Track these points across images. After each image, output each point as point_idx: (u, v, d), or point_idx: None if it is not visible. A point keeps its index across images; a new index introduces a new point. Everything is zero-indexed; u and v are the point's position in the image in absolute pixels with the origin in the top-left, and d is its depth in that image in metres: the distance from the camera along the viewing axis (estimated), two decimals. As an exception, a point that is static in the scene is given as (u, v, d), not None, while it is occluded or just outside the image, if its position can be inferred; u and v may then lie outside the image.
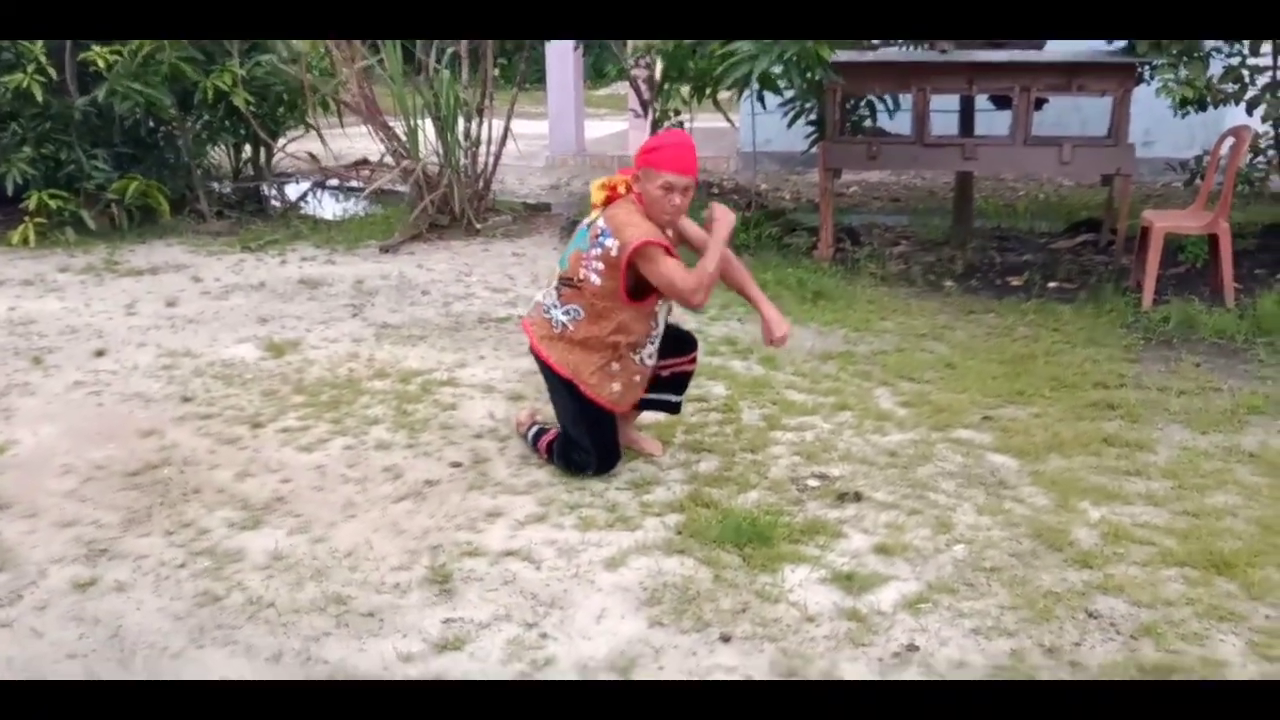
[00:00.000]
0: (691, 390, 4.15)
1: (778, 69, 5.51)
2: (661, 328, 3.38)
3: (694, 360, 3.54)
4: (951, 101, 6.74)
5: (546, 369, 3.33)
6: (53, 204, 6.82)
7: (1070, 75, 5.80)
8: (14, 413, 3.93)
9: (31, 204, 6.75)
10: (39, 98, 6.60)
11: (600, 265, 3.14)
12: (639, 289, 3.20)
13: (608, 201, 3.22)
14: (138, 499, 3.24)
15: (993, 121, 7.05)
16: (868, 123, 7.43)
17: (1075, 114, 8.90)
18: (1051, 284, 5.81)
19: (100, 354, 4.64)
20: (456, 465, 3.48)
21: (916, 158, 6.32)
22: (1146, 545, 2.91)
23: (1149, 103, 6.14)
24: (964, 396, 4.08)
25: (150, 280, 6.04)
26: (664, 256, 3.10)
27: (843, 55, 5.87)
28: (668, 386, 3.50)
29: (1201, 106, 5.72)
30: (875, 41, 6.86)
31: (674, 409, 3.59)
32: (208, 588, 2.73)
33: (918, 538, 2.96)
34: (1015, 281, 5.93)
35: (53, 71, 6.70)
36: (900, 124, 6.94)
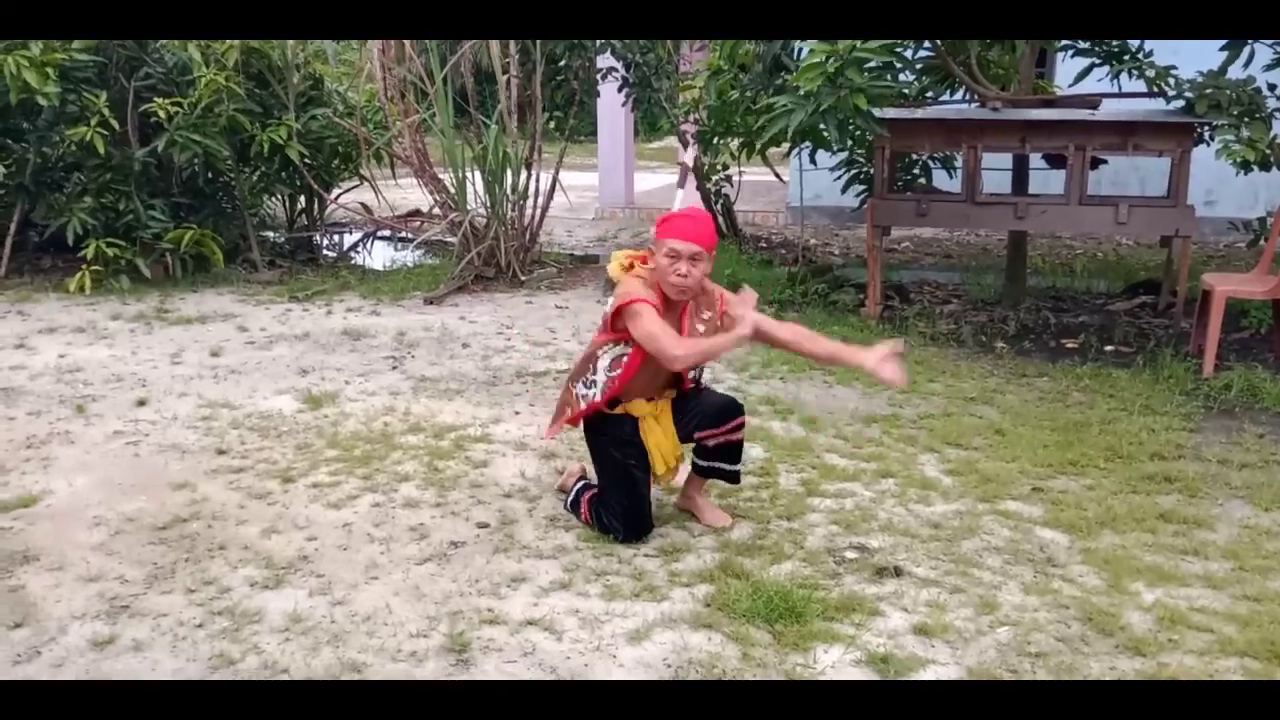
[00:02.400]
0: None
1: (819, 122, 5.45)
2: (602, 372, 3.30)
3: (738, 428, 3.38)
4: (1005, 160, 6.63)
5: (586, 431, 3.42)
6: (110, 252, 6.97)
7: (1126, 135, 5.66)
8: (52, 462, 3.96)
9: (89, 253, 6.90)
10: (101, 149, 6.77)
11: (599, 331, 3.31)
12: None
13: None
14: (164, 554, 3.22)
15: (1048, 180, 6.92)
16: (921, 180, 7.36)
17: (1134, 173, 8.73)
18: (1108, 348, 5.63)
19: (142, 403, 4.68)
20: (483, 526, 3.41)
21: (967, 216, 6.20)
22: (1204, 632, 2.73)
23: (1210, 161, 5.97)
24: (1013, 466, 3.93)
25: (198, 329, 6.11)
26: (649, 312, 3.09)
27: (891, 112, 5.80)
28: (718, 455, 3.39)
29: (1264, 167, 5.55)
30: (930, 95, 6.81)
31: (732, 478, 3.47)
32: (224, 650, 2.68)
33: (959, 618, 2.81)
34: (1070, 344, 5.76)
35: (115, 123, 6.89)
36: (954, 183, 6.84)
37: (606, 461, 3.33)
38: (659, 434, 3.31)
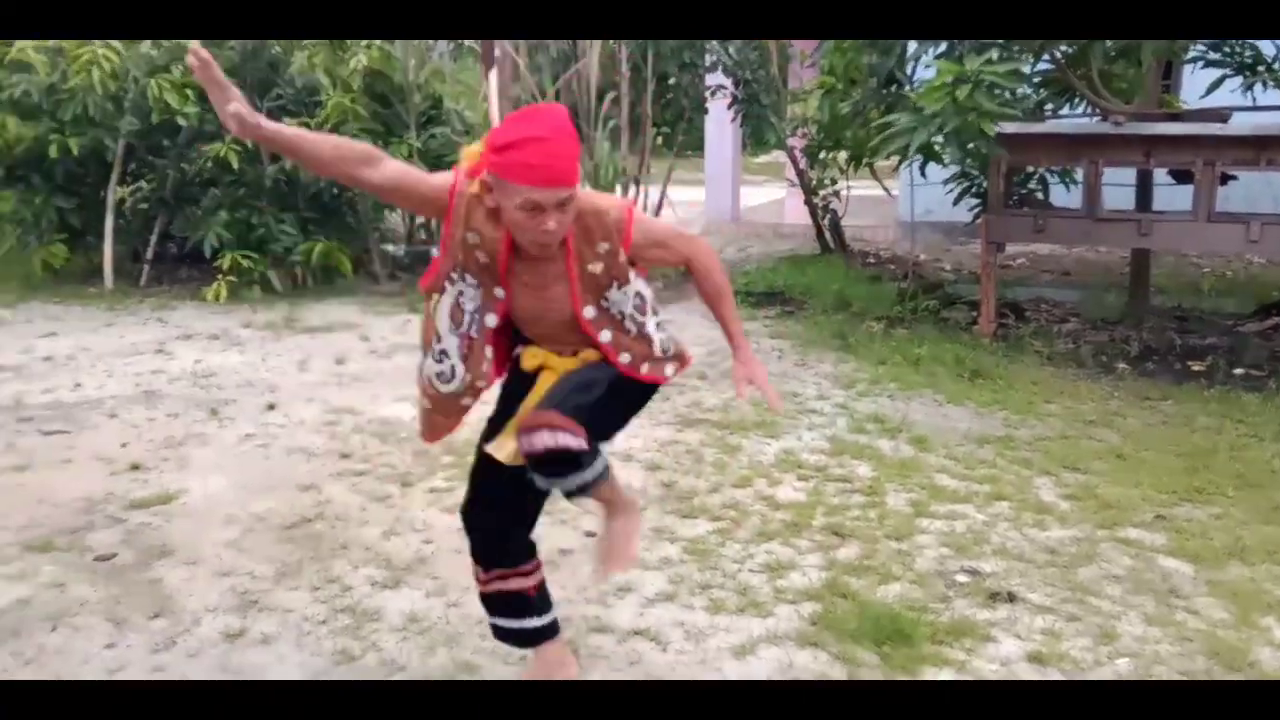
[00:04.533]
0: (834, 470, 4.05)
1: (938, 140, 5.40)
2: (448, 335, 2.29)
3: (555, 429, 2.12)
4: (1128, 175, 6.42)
5: None
6: (243, 264, 7.34)
7: (1259, 149, 5.42)
8: (188, 462, 4.20)
9: (225, 263, 7.29)
10: (235, 166, 7.15)
11: None
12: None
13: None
14: (291, 552, 3.38)
15: (1174, 196, 6.66)
16: (1038, 195, 7.18)
17: (1267, 189, 8.33)
18: (1237, 370, 5.39)
19: (271, 408, 4.91)
20: (591, 535, 3.47)
21: (1088, 233, 6.02)
22: (1343, 674, 2.60)
23: None
24: (1135, 492, 3.80)
25: (324, 338, 6.38)
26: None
27: (1008, 127, 5.69)
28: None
29: None
30: (1049, 108, 6.64)
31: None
32: (345, 646, 2.80)
33: (1076, 647, 2.74)
34: (1197, 366, 5.53)
35: (248, 141, 7.26)
36: (1072, 197, 6.65)
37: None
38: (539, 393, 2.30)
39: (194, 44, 2.10)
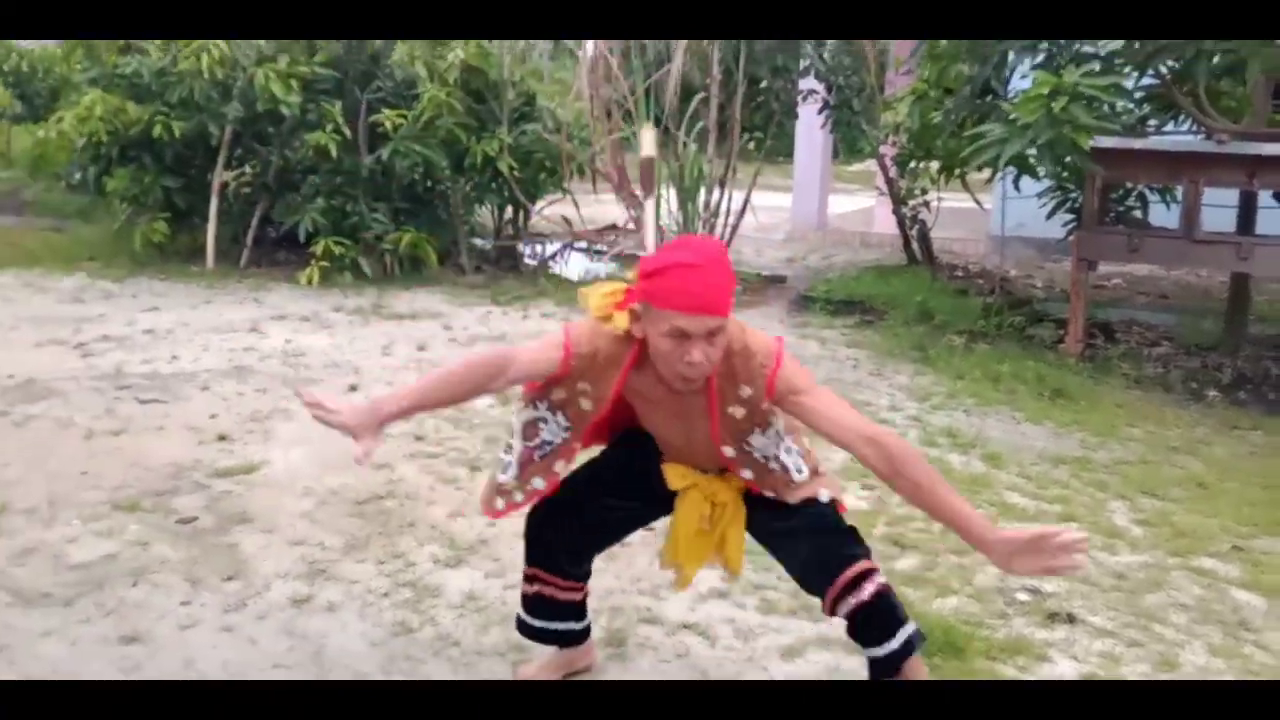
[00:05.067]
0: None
1: (1031, 153, 5.29)
2: (518, 440, 2.39)
3: (859, 581, 2.22)
4: (1231, 196, 6.19)
5: None
6: (336, 250, 7.58)
7: (1373, 173, 5.18)
8: (272, 434, 4.37)
9: (319, 249, 7.54)
10: (333, 154, 7.40)
11: None
12: None
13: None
14: (361, 526, 3.50)
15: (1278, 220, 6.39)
16: (1136, 213, 6.97)
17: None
18: (1337, 403, 5.16)
19: (353, 389, 5.08)
20: (650, 529, 3.51)
21: (1184, 254, 5.83)
22: None
23: None
24: (1213, 521, 3.68)
25: (408, 325, 6.55)
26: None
27: (1106, 141, 5.54)
28: (852, 629, 2.29)
29: None
30: (1151, 124, 6.45)
31: (880, 666, 2.28)
32: (405, 618, 2.90)
33: (1134, 673, 2.68)
34: (1293, 397, 5.31)
35: (347, 132, 7.51)
36: (1171, 217, 6.44)
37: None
38: (692, 521, 2.35)
39: (303, 393, 2.13)
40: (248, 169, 8.42)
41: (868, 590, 2.17)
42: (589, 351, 2.17)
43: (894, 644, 2.20)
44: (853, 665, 2.68)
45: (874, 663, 2.25)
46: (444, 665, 2.68)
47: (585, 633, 2.60)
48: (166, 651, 2.71)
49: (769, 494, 2.28)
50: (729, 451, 2.22)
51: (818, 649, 2.76)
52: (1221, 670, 2.70)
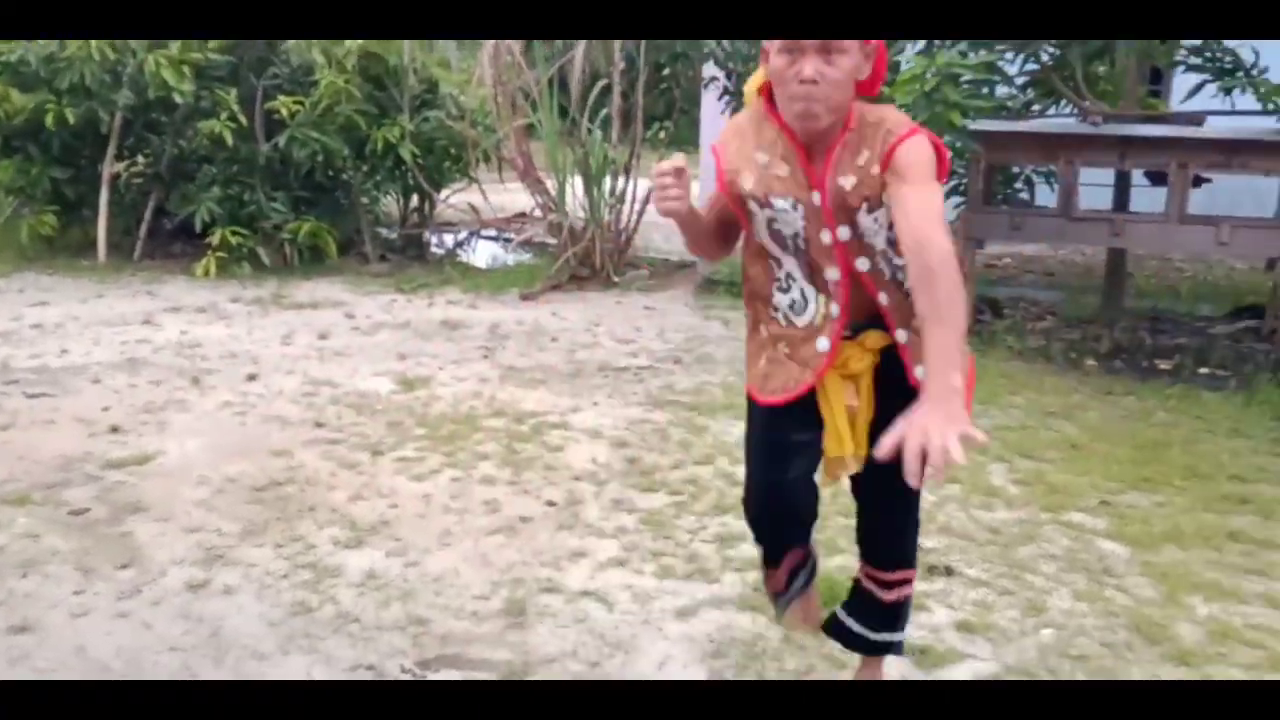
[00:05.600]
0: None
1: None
2: (800, 272, 2.08)
3: (898, 585, 2.30)
4: (1107, 175, 6.50)
5: None
6: (234, 240, 7.44)
7: (1231, 153, 5.51)
8: (167, 425, 4.30)
9: (215, 239, 7.39)
10: (229, 142, 7.26)
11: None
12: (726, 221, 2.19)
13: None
14: (259, 512, 3.49)
15: (1154, 198, 6.75)
16: (1023, 195, 7.27)
17: (1249, 194, 8.42)
18: (1202, 370, 5.48)
19: (252, 378, 5.02)
20: (551, 504, 3.58)
21: (1062, 231, 6.11)
22: (1255, 648, 2.70)
23: None
24: (1084, 479, 3.90)
25: (309, 314, 6.48)
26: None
27: (986, 125, 5.77)
28: (855, 604, 2.37)
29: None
30: (1036, 108, 6.73)
31: (863, 645, 2.37)
32: (304, 599, 2.91)
33: (1004, 618, 2.85)
34: (1164, 365, 5.62)
35: (243, 119, 7.37)
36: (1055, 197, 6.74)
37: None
38: (840, 403, 2.11)
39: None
40: (140, 159, 8.20)
41: (903, 592, 2.28)
42: (733, 139, 2.07)
43: (880, 637, 2.31)
44: (744, 623, 2.80)
45: (853, 635, 2.34)
46: (344, 641, 2.71)
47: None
48: (57, 640, 2.68)
49: (900, 340, 2.04)
50: (843, 233, 1.99)
51: (710, 608, 2.87)
52: (1085, 613, 2.88)
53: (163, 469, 3.84)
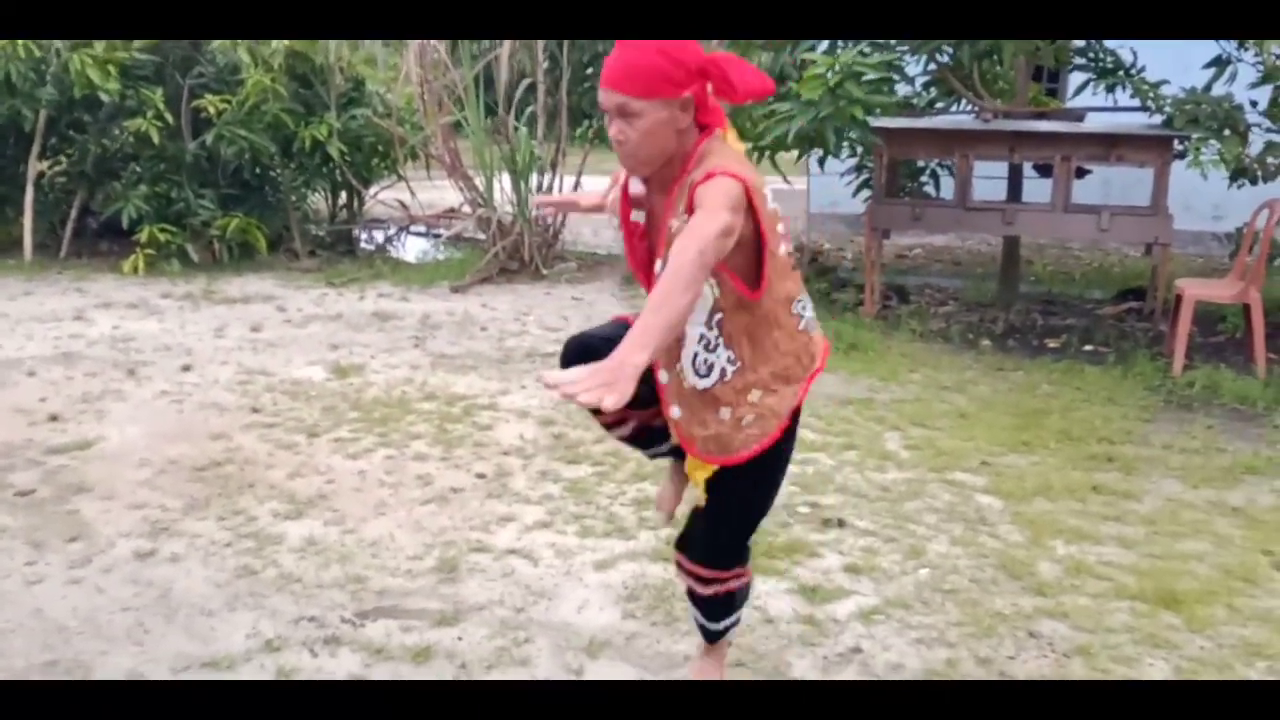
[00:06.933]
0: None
1: (820, 129, 5.84)
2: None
3: (712, 582, 2.36)
4: (1003, 169, 6.96)
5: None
6: (162, 237, 7.51)
7: (1109, 146, 5.98)
8: (106, 414, 4.45)
9: (143, 237, 7.44)
10: (156, 141, 7.33)
11: None
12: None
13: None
14: (200, 489, 3.68)
15: (1045, 189, 7.23)
16: (929, 188, 7.71)
17: (1140, 186, 8.99)
18: (1087, 347, 5.94)
19: (187, 369, 5.16)
20: (481, 476, 3.83)
21: (959, 221, 6.54)
22: (1104, 580, 3.08)
23: (1216, 176, 6.09)
24: (969, 444, 4.28)
25: (241, 308, 6.61)
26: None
27: (888, 121, 6.17)
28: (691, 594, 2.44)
29: (1252, 181, 5.88)
30: (938, 106, 7.16)
31: (706, 633, 2.47)
32: (248, 563, 3.13)
33: (887, 561, 3.19)
34: (1052, 344, 6.07)
35: (169, 117, 7.44)
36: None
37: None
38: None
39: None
40: (64, 158, 8.21)
41: (718, 589, 2.32)
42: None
43: (700, 619, 2.41)
44: (656, 571, 3.09)
45: (700, 626, 2.44)
46: (287, 599, 2.93)
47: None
48: (15, 603, 2.86)
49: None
50: (659, 267, 2.09)
51: (627, 561, 3.16)
52: (959, 555, 3.24)
53: (104, 453, 4.00)
